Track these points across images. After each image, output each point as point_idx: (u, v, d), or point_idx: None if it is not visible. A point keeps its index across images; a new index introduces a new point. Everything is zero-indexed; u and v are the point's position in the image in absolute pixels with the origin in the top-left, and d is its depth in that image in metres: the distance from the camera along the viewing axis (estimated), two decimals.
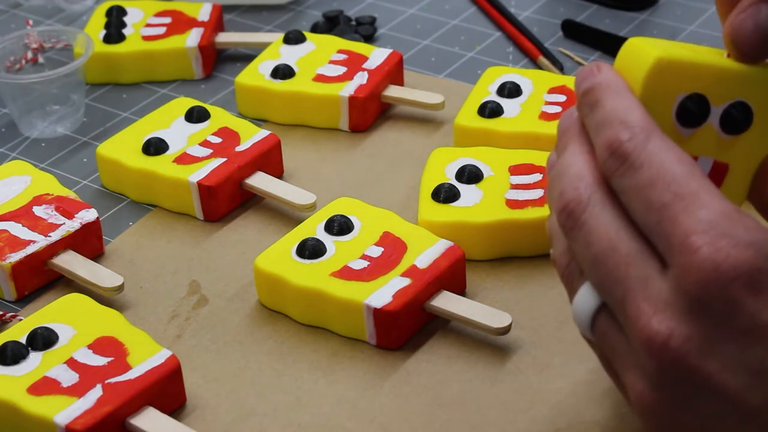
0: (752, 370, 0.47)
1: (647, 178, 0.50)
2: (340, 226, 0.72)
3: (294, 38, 0.91)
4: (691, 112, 0.55)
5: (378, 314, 0.67)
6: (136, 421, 0.62)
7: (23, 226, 0.74)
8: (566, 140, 0.55)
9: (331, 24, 0.98)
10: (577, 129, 0.55)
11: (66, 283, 0.74)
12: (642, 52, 0.55)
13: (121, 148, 0.81)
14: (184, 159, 0.79)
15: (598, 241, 0.51)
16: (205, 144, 0.81)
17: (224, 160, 0.79)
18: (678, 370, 0.48)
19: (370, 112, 0.86)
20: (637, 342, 0.49)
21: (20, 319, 0.70)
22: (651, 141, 0.51)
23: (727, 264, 0.47)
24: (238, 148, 0.80)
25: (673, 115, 0.55)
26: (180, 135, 0.82)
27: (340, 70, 0.87)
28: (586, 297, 0.53)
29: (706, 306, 0.47)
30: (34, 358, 0.65)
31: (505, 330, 0.67)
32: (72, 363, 0.64)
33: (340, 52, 0.89)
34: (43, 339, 0.65)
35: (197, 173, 0.78)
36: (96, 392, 0.62)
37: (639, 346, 0.49)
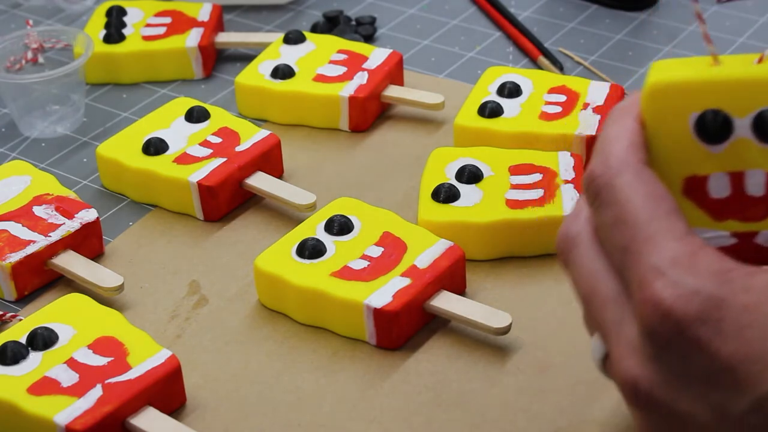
0: (716, 410, 0.47)
1: (612, 217, 0.50)
2: (340, 226, 0.72)
3: (294, 38, 0.91)
4: (708, 129, 0.51)
5: (378, 314, 0.67)
6: (136, 421, 0.62)
7: (23, 226, 0.74)
8: None
9: (331, 24, 0.98)
10: None
11: (66, 283, 0.74)
12: (649, 76, 0.52)
13: (121, 148, 0.81)
14: (184, 159, 0.79)
15: (580, 281, 0.52)
16: (205, 144, 0.81)
17: (224, 160, 0.79)
18: (649, 411, 0.49)
19: (370, 112, 0.86)
20: (617, 384, 0.50)
21: (20, 319, 0.70)
22: (621, 177, 0.50)
23: (676, 312, 0.47)
24: (238, 148, 0.80)
25: (693, 135, 0.52)
26: (180, 135, 0.81)
27: (340, 70, 0.87)
28: (597, 342, 0.53)
29: (664, 351, 0.48)
30: (34, 358, 0.65)
31: (505, 330, 0.67)
32: (72, 363, 0.64)
33: (340, 52, 0.89)
34: (43, 339, 0.65)
35: (197, 173, 0.78)
36: (96, 392, 0.62)
37: (619, 387, 0.50)
